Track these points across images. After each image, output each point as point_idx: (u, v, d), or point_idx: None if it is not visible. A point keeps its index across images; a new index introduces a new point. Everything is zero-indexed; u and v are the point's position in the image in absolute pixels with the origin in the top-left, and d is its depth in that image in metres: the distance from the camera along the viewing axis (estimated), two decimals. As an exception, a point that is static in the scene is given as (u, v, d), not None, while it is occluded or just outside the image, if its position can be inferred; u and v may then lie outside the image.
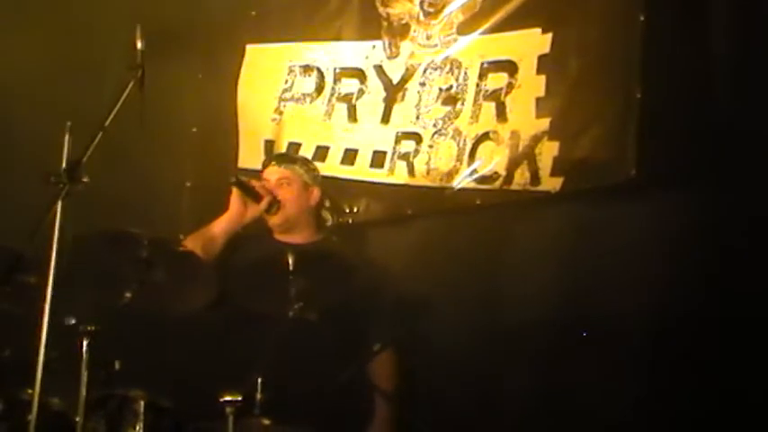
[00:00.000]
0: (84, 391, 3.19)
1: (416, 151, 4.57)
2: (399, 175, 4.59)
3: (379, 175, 4.65)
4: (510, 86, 4.36)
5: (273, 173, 4.23)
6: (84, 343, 3.24)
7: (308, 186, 4.23)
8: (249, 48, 5.03)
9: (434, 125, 4.55)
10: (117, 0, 4.88)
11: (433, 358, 4.19)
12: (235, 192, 4.15)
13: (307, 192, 4.22)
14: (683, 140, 3.86)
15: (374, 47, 4.77)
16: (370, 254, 4.53)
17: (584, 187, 4.10)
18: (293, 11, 4.99)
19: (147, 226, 3.58)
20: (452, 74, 4.55)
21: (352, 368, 3.78)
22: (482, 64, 4.47)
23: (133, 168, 4.66)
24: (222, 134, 5.00)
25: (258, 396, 3.44)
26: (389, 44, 4.74)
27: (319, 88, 4.87)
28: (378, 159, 4.66)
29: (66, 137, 3.17)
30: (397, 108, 4.68)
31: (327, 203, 4.41)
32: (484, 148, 4.39)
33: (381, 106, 4.71)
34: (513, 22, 4.39)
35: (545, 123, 4.23)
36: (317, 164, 4.47)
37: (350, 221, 4.62)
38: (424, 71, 4.63)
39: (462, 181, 4.41)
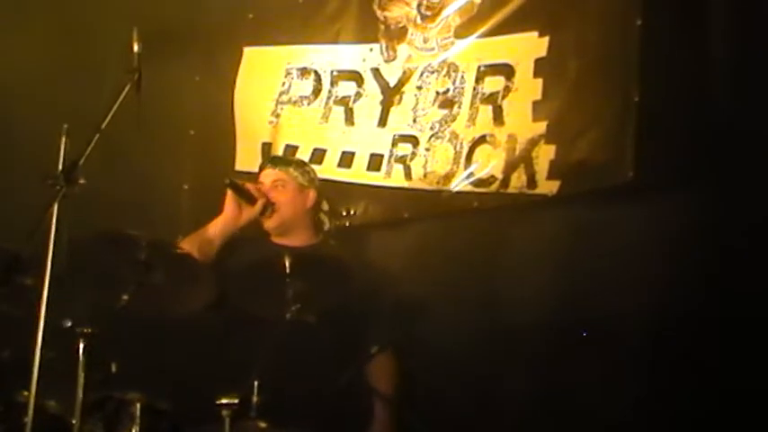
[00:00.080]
0: (80, 394, 3.18)
1: (413, 154, 4.57)
2: (396, 178, 4.59)
3: (375, 178, 4.65)
4: (507, 90, 4.37)
5: (268, 175, 4.23)
6: (82, 345, 3.24)
7: (304, 189, 4.21)
8: (247, 50, 5.03)
9: (431, 128, 4.55)
10: (117, 0, 4.87)
11: (431, 360, 4.19)
12: (229, 194, 4.14)
13: (302, 194, 4.21)
14: (681, 143, 3.87)
15: (371, 50, 4.77)
16: (367, 257, 4.53)
17: (581, 190, 4.10)
18: (291, 14, 4.99)
19: (145, 228, 3.57)
20: (449, 77, 4.55)
21: (349, 371, 3.77)
22: (479, 67, 4.48)
23: (131, 170, 4.66)
24: (220, 136, 5.00)
25: (255, 399, 3.44)
26: (387, 47, 4.74)
27: (316, 91, 4.87)
28: (375, 162, 4.66)
29: (63, 139, 3.17)
30: (394, 111, 4.68)
31: (325, 206, 4.40)
32: (481, 151, 4.39)
33: (378, 109, 4.71)
34: (510, 26, 4.40)
35: (542, 127, 4.23)
36: (314, 166, 4.46)
37: (347, 224, 4.62)
38: (421, 74, 4.63)
39: (459, 184, 4.41)
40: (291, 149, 4.83)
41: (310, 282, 3.54)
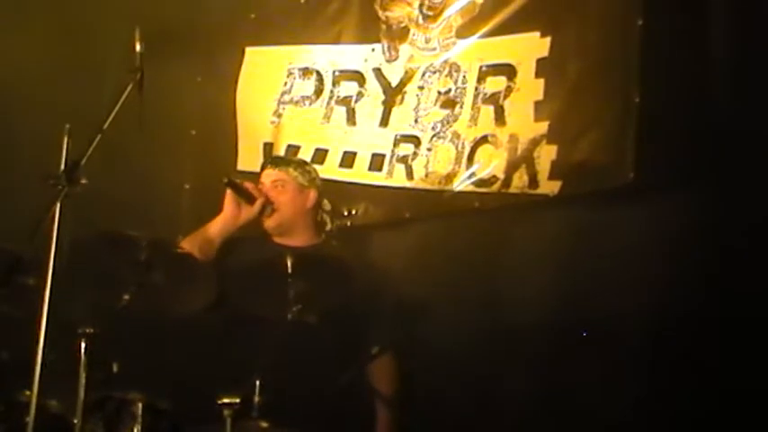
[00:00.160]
0: (82, 393, 3.19)
1: (415, 154, 4.57)
2: (398, 178, 4.60)
3: (377, 178, 4.65)
4: (509, 90, 4.37)
5: (268, 175, 4.22)
6: (83, 345, 3.24)
7: (304, 189, 4.20)
8: (248, 50, 5.03)
9: (433, 128, 4.55)
10: (117, 0, 4.88)
11: (432, 360, 4.19)
12: (229, 193, 4.14)
13: (302, 194, 4.20)
14: (681, 144, 3.87)
15: (373, 50, 4.77)
16: (368, 257, 4.53)
17: (582, 191, 4.11)
18: (293, 14, 4.99)
19: (147, 228, 3.58)
20: (451, 77, 4.56)
21: (350, 371, 3.78)
22: (481, 67, 4.48)
23: (132, 170, 4.66)
24: (221, 136, 5.00)
25: (256, 398, 3.44)
26: (388, 47, 4.74)
27: (318, 91, 4.88)
28: (376, 162, 4.67)
29: (65, 139, 3.16)
30: (395, 111, 4.68)
31: (327, 206, 4.40)
32: (482, 151, 4.40)
33: (380, 109, 4.72)
34: (511, 26, 4.41)
35: (543, 127, 4.23)
36: (316, 166, 4.45)
37: (348, 224, 4.62)
38: (423, 74, 4.64)
39: (461, 184, 4.42)
40: (293, 149, 4.83)
41: (312, 282, 3.54)
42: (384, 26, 4.76)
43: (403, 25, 4.72)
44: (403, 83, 4.68)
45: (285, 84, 4.95)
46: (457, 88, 4.53)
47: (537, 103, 4.27)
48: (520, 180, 4.25)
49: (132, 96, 3.34)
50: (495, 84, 4.42)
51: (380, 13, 4.76)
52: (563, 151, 4.16)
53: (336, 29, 4.88)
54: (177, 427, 3.46)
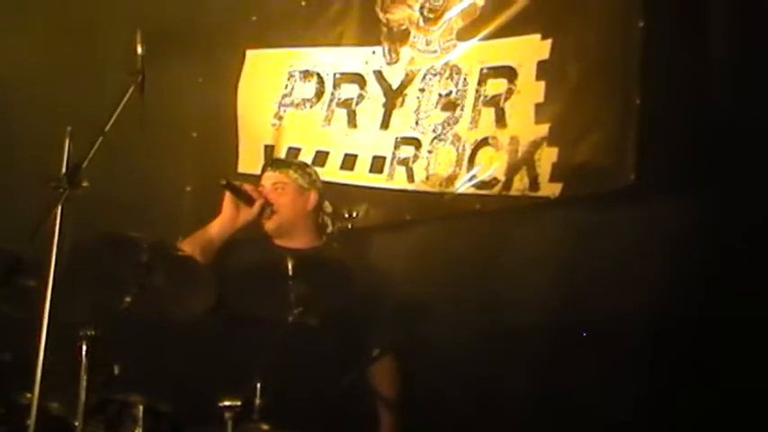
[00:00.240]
0: (83, 396, 3.19)
1: (416, 157, 4.57)
2: (399, 181, 4.60)
3: (378, 181, 4.65)
4: (509, 92, 4.38)
5: (268, 178, 4.22)
6: (84, 347, 3.24)
7: (304, 191, 4.20)
8: (249, 53, 5.02)
9: (434, 131, 4.56)
10: (117, 1, 4.88)
11: (432, 361, 4.19)
12: (227, 195, 4.14)
13: (302, 196, 4.20)
14: (682, 145, 3.87)
15: (374, 52, 4.78)
16: (369, 259, 4.53)
17: (583, 193, 4.11)
18: (294, 16, 4.99)
19: (148, 229, 3.57)
20: (452, 79, 4.56)
21: (351, 373, 3.77)
22: (481, 70, 4.49)
23: (133, 172, 4.66)
24: (222, 138, 5.00)
25: (257, 401, 3.44)
26: (389, 50, 4.74)
27: (319, 93, 4.88)
28: (377, 164, 4.67)
29: (67, 141, 3.16)
30: (396, 113, 4.68)
31: (328, 208, 4.40)
32: (483, 153, 4.40)
33: (381, 111, 4.72)
34: (512, 29, 4.41)
35: (544, 129, 4.24)
36: (317, 169, 4.45)
37: (349, 226, 4.62)
38: (424, 77, 4.64)
39: (461, 186, 4.42)
40: (294, 152, 4.83)
41: (313, 284, 3.54)
42: (385, 28, 4.76)
43: (404, 28, 4.72)
44: (404, 85, 4.68)
45: (286, 86, 4.94)
46: (458, 90, 4.53)
47: (538, 106, 4.27)
48: (521, 182, 4.25)
49: (133, 98, 3.33)
50: (496, 86, 4.42)
51: (381, 15, 4.76)
52: (564, 153, 4.16)
53: (337, 31, 4.88)
54: (178, 430, 3.46)
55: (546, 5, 4.33)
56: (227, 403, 3.34)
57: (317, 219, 4.29)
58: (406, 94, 4.67)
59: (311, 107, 4.89)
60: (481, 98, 4.46)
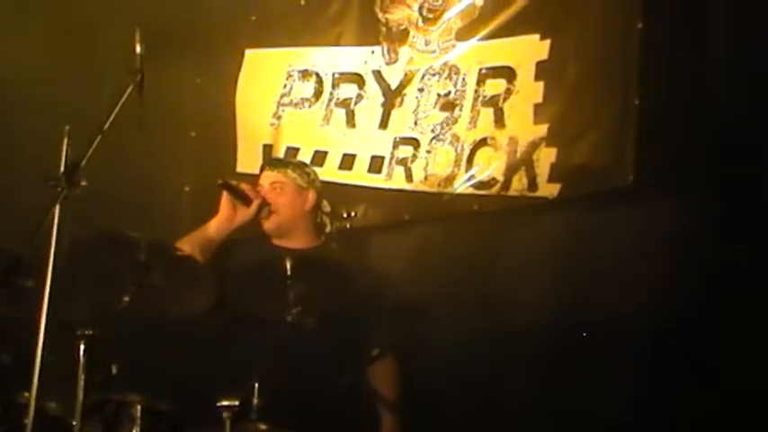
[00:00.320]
0: (81, 395, 3.18)
1: (414, 157, 4.57)
2: (397, 181, 4.60)
3: (377, 180, 4.65)
4: (508, 92, 4.38)
5: (267, 177, 4.22)
6: (82, 346, 3.24)
7: (303, 190, 4.20)
8: (248, 52, 5.02)
9: (432, 131, 4.56)
10: (117, 0, 4.89)
11: (432, 361, 4.19)
12: (225, 195, 4.14)
13: (301, 196, 4.19)
14: (681, 146, 3.88)
15: (373, 52, 4.77)
16: (368, 259, 4.53)
17: (581, 193, 4.11)
18: (293, 16, 4.99)
19: (146, 229, 3.57)
20: (451, 80, 4.56)
21: (350, 373, 3.77)
22: (480, 70, 4.49)
23: (132, 171, 4.66)
24: (221, 138, 4.99)
25: (255, 401, 3.43)
26: (388, 50, 4.74)
27: (318, 93, 4.87)
28: (376, 164, 4.67)
29: (65, 140, 3.16)
30: (395, 113, 4.68)
31: (327, 208, 4.40)
32: (482, 153, 4.40)
33: (380, 111, 4.72)
34: (511, 29, 4.41)
35: (543, 129, 4.24)
36: (316, 168, 4.46)
37: (348, 226, 4.61)
38: (423, 77, 4.64)
39: (460, 186, 4.42)
40: (293, 151, 4.83)
41: (311, 284, 3.54)
42: (384, 28, 4.76)
43: (403, 27, 4.72)
44: (402, 85, 4.68)
45: (285, 86, 4.94)
46: (456, 91, 4.53)
47: (536, 106, 4.28)
48: (519, 183, 4.25)
49: (132, 98, 3.33)
50: (495, 86, 4.42)
51: (380, 15, 4.77)
52: (562, 154, 4.16)
53: (336, 31, 4.88)
54: (176, 429, 3.46)
55: (545, 6, 4.33)
56: (225, 403, 3.33)
57: (315, 218, 4.28)
58: (404, 94, 4.67)
59: (310, 107, 4.89)
60: (480, 98, 4.46)
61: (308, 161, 4.63)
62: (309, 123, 4.87)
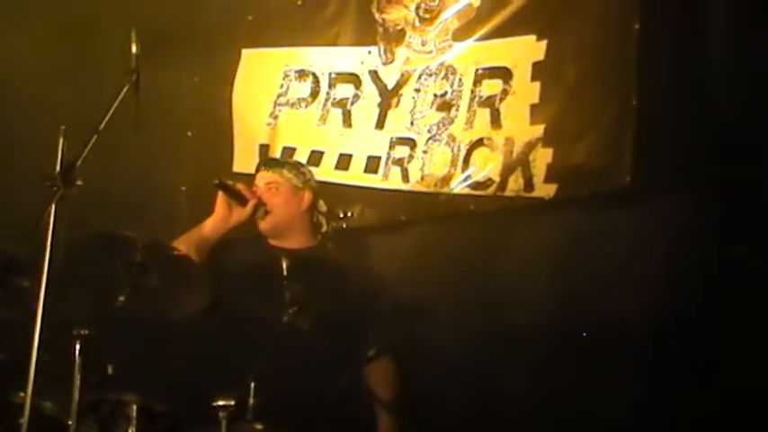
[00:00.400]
0: (76, 395, 3.17)
1: (411, 157, 4.57)
2: (393, 181, 4.60)
3: (373, 181, 4.65)
4: (504, 93, 4.38)
5: (262, 178, 4.22)
6: (78, 346, 3.23)
7: (298, 191, 4.19)
8: (245, 52, 5.01)
9: (429, 131, 4.56)
10: (117, 0, 4.88)
11: (432, 362, 4.19)
12: (220, 195, 4.14)
13: (296, 196, 4.19)
14: (679, 147, 3.88)
15: (370, 52, 4.77)
16: (364, 259, 4.53)
17: (578, 194, 4.12)
18: (290, 16, 4.97)
19: (143, 229, 3.56)
20: (447, 80, 4.56)
21: (347, 373, 3.77)
22: (477, 70, 4.49)
23: (128, 171, 4.64)
24: (218, 138, 4.98)
25: (251, 401, 3.43)
26: (385, 50, 4.74)
27: (314, 93, 4.87)
28: (372, 164, 4.66)
29: (61, 140, 3.15)
30: (391, 113, 4.68)
31: (323, 207, 4.39)
32: (478, 154, 4.40)
33: (376, 111, 4.72)
34: (508, 29, 4.42)
35: (539, 130, 4.24)
36: (312, 168, 4.46)
37: (344, 226, 4.61)
38: (419, 77, 4.64)
39: (456, 187, 4.42)
40: (289, 151, 4.82)
41: (308, 284, 3.54)
42: (381, 29, 4.76)
43: (399, 28, 4.72)
44: (399, 85, 4.68)
45: (281, 86, 4.93)
46: (453, 91, 4.53)
47: (533, 107, 4.28)
48: (515, 183, 4.26)
49: (129, 97, 3.33)
50: (491, 87, 4.43)
51: (377, 15, 4.76)
52: (559, 154, 4.17)
53: (333, 31, 4.88)
54: (172, 429, 3.45)
55: (541, 6, 4.34)
56: (221, 403, 3.33)
57: (311, 218, 4.28)
58: (401, 95, 4.67)
59: (306, 107, 4.88)
60: (476, 99, 4.46)
61: (304, 161, 4.62)
62: (306, 123, 4.86)
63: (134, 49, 3.37)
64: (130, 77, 3.35)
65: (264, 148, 4.89)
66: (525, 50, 4.34)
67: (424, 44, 4.66)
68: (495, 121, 4.39)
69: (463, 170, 4.42)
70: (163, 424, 3.42)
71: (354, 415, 3.90)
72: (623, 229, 3.93)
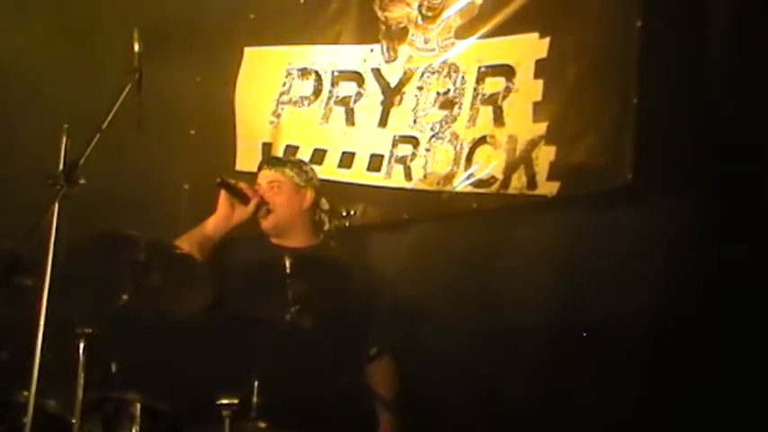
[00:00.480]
0: (80, 394, 3.18)
1: (413, 155, 4.57)
2: (396, 179, 4.60)
3: (376, 179, 4.65)
4: (507, 91, 4.38)
5: (264, 176, 4.22)
6: (81, 345, 3.24)
7: (300, 189, 4.20)
8: (247, 50, 5.01)
9: (432, 129, 4.55)
10: (117, 0, 4.89)
11: (433, 362, 4.19)
12: (222, 193, 4.14)
13: (299, 195, 4.20)
14: (679, 145, 3.88)
15: (372, 50, 4.77)
16: (367, 258, 4.53)
17: (580, 192, 4.11)
18: (292, 14, 4.98)
19: (146, 228, 3.57)
20: (450, 78, 4.56)
21: (349, 372, 3.78)
22: (479, 68, 4.49)
23: (131, 170, 4.65)
24: (220, 136, 4.99)
25: (255, 399, 3.44)
26: (387, 48, 4.74)
27: (317, 91, 4.87)
28: (375, 163, 4.66)
29: (64, 139, 3.16)
30: (394, 111, 4.68)
31: (325, 205, 4.40)
32: (481, 152, 4.40)
33: (379, 110, 4.72)
34: (510, 27, 4.41)
35: (542, 128, 4.24)
36: (315, 167, 4.46)
37: (347, 225, 4.62)
38: (422, 75, 4.64)
39: (459, 185, 4.42)
40: (292, 150, 4.82)
41: (310, 283, 3.54)
42: (383, 27, 4.76)
43: (402, 26, 4.72)
44: (402, 83, 4.68)
45: (284, 84, 4.93)
46: (456, 89, 4.53)
47: (535, 104, 4.28)
48: (518, 181, 4.26)
49: (131, 96, 3.33)
50: (494, 85, 4.42)
51: (380, 13, 4.76)
52: (561, 152, 4.17)
53: (336, 29, 4.88)
54: (176, 428, 3.46)
55: (544, 4, 4.33)
56: (224, 401, 3.34)
57: (313, 217, 4.29)
58: (404, 93, 4.67)
59: (309, 105, 4.89)
60: (479, 96, 4.46)
61: (307, 159, 4.63)
62: (309, 121, 4.86)
63: (136, 47, 3.37)
64: (133, 76, 3.35)
65: (267, 147, 4.89)
66: (528, 48, 4.34)
67: (426, 42, 4.66)
68: (498, 118, 4.38)
69: (466, 168, 4.42)
70: (166, 422, 3.43)
71: (355, 414, 3.91)
72: (624, 228, 3.93)
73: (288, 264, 3.54)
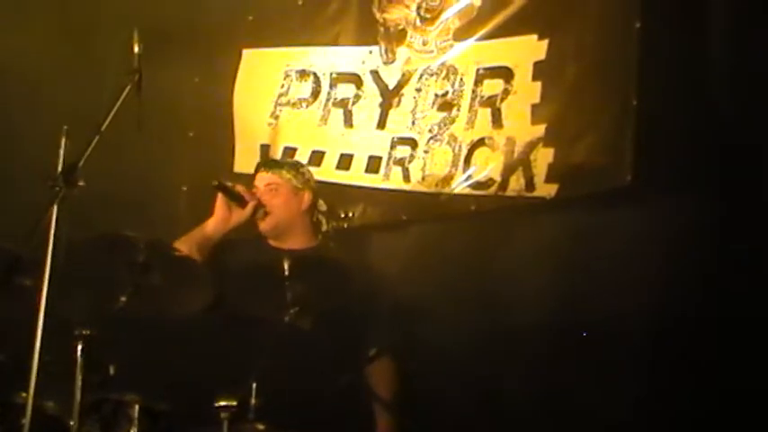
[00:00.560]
0: (78, 395, 3.18)
1: (412, 157, 4.57)
2: (395, 181, 4.60)
3: (374, 181, 4.65)
4: (506, 93, 4.38)
5: (262, 179, 4.22)
6: (79, 346, 3.23)
7: (298, 191, 4.20)
8: (246, 52, 5.01)
9: (430, 131, 4.56)
10: (117, 0, 4.89)
11: (432, 362, 4.19)
12: (220, 196, 4.14)
13: (296, 197, 4.19)
14: (679, 145, 3.88)
15: (371, 52, 4.77)
16: (365, 259, 4.53)
17: (579, 193, 4.12)
18: (291, 16, 4.98)
19: (144, 229, 3.56)
20: (448, 80, 4.56)
21: (348, 373, 3.77)
22: (478, 70, 4.49)
23: (130, 171, 4.65)
24: (219, 138, 4.99)
25: (253, 401, 3.43)
26: (386, 50, 4.74)
27: (315, 93, 4.87)
28: (373, 164, 4.67)
29: (63, 140, 3.16)
30: (392, 113, 4.68)
31: (323, 207, 4.40)
32: (479, 154, 4.40)
33: (377, 111, 4.72)
34: (509, 29, 4.42)
35: (540, 130, 4.25)
36: (313, 168, 4.47)
37: (345, 226, 4.62)
38: (420, 77, 4.64)
39: (457, 187, 4.42)
40: (290, 151, 4.82)
41: (309, 284, 3.54)
42: (381, 28, 4.76)
43: (400, 28, 4.72)
44: (400, 85, 4.68)
45: (282, 86, 4.93)
46: (454, 91, 4.53)
47: (534, 106, 4.28)
48: (517, 183, 4.26)
49: (130, 97, 3.33)
50: (493, 86, 4.43)
51: (378, 15, 4.76)
52: (560, 154, 4.17)
53: (334, 31, 4.88)
54: (174, 429, 3.45)
55: (542, 6, 4.34)
56: (222, 403, 3.33)
57: (311, 219, 4.29)
58: (402, 94, 4.67)
59: (308, 107, 4.89)
60: (477, 98, 4.46)
61: (305, 161, 4.63)
62: (307, 123, 4.86)
63: (136, 48, 3.37)
64: (132, 77, 3.35)
65: (265, 149, 4.89)
66: (526, 50, 4.34)
67: (425, 44, 4.66)
68: (497, 120, 4.39)
69: (464, 170, 4.42)
70: (164, 424, 3.42)
71: (355, 414, 3.91)
72: (623, 228, 3.94)
73: (286, 266, 3.54)
